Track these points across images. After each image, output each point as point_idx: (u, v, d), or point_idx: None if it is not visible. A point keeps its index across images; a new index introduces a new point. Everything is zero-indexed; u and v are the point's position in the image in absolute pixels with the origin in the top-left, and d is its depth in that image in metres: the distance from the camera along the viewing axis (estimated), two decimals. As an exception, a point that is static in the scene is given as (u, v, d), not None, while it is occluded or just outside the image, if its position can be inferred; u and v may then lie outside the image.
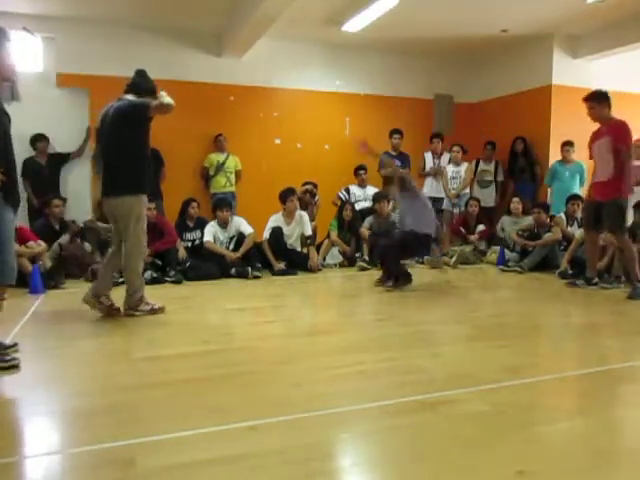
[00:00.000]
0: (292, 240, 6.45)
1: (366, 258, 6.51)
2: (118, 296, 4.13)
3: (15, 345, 3.05)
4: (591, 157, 5.25)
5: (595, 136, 5.10)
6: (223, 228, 6.18)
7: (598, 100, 4.91)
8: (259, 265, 6.02)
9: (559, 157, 7.33)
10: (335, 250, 6.77)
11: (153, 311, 4.09)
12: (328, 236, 6.88)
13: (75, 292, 4.89)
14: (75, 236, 5.99)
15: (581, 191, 7.09)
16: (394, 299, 4.87)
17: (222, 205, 6.19)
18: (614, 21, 6.80)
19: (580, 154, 7.20)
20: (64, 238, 5.84)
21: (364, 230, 6.72)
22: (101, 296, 4.03)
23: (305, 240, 6.49)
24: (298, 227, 6.49)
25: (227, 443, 1.99)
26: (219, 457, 1.88)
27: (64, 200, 6.15)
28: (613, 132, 4.87)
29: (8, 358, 2.72)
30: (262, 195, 7.12)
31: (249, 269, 5.83)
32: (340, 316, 4.31)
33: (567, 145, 7.09)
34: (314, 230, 6.98)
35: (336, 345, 3.35)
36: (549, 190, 7.39)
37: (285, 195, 6.41)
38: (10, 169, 2.89)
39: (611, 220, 4.93)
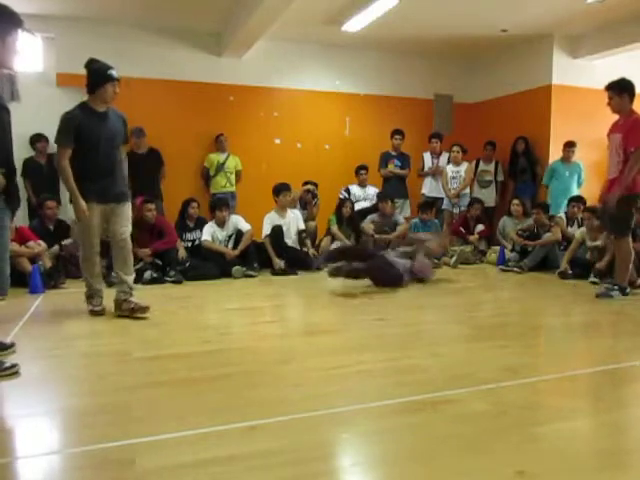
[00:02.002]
0: (291, 233, 6.46)
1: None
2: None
3: (13, 345, 3.04)
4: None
5: (612, 128, 4.70)
6: (221, 227, 6.19)
7: (617, 91, 4.52)
8: (256, 265, 6.04)
9: (560, 157, 7.32)
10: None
11: (90, 312, 4.05)
12: (328, 231, 6.87)
13: (75, 292, 4.88)
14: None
15: (579, 191, 7.10)
16: (394, 299, 4.88)
17: (220, 205, 6.22)
18: (614, 21, 6.79)
19: (580, 154, 7.23)
20: (67, 241, 5.82)
21: (368, 225, 6.72)
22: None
23: (300, 235, 6.50)
24: (294, 219, 6.54)
25: (227, 443, 1.98)
26: (219, 457, 1.87)
27: (58, 202, 6.14)
28: (626, 129, 4.50)
29: (7, 366, 2.70)
30: (262, 195, 7.11)
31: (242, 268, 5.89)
32: (340, 316, 4.30)
33: (570, 145, 7.08)
34: (315, 230, 6.98)
35: (336, 345, 3.35)
36: (549, 189, 7.38)
37: (279, 190, 6.43)
38: (11, 171, 2.84)
39: (612, 220, 4.67)
